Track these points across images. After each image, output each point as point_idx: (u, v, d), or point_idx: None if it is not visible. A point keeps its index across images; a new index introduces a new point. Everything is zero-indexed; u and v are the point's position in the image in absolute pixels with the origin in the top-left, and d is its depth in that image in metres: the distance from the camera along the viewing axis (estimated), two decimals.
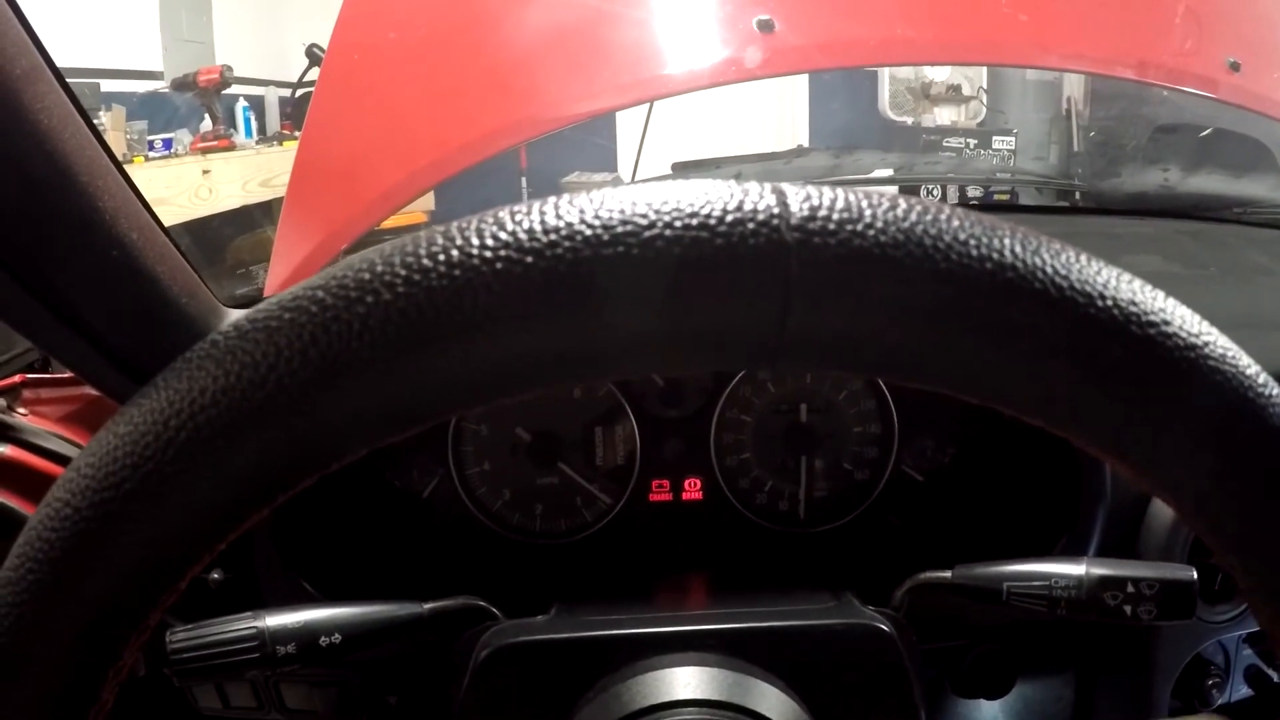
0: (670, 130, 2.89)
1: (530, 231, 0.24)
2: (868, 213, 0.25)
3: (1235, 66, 1.27)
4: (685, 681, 0.51)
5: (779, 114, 4.96)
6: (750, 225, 0.24)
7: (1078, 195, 1.28)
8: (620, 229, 0.24)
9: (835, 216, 0.25)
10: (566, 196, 0.25)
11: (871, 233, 0.25)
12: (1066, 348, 0.26)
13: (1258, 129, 1.52)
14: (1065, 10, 1.24)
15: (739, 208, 0.25)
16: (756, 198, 0.25)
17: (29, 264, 0.59)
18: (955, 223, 0.25)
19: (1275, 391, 0.28)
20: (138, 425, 0.27)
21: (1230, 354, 0.28)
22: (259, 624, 0.56)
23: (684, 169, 1.10)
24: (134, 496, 0.27)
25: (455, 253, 0.24)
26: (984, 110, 4.42)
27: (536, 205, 0.25)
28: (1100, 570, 0.56)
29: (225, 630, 0.54)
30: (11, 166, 0.56)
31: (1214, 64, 1.28)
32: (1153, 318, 0.27)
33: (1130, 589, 0.55)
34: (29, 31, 0.57)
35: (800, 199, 0.25)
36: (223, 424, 0.26)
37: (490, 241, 0.24)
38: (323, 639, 0.56)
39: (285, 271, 1.04)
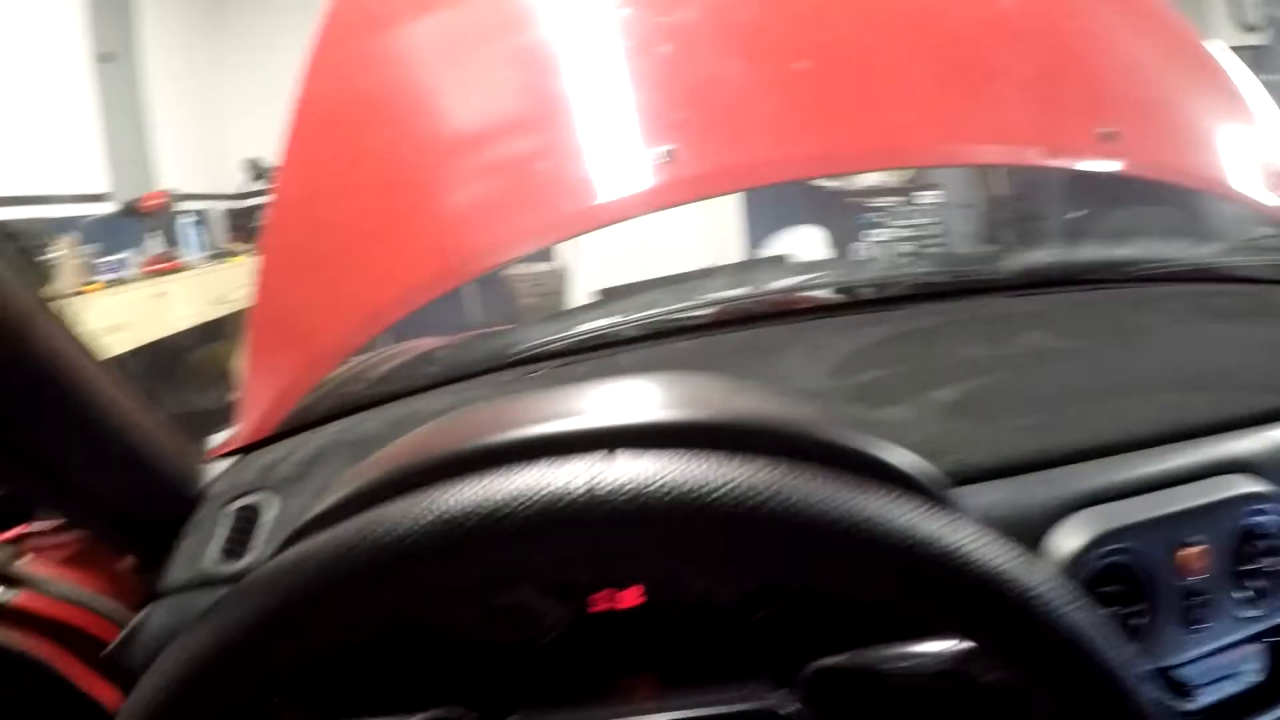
0: None
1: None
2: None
3: (1110, 136, 1.37)
4: None
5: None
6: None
7: (958, 276, 1.38)
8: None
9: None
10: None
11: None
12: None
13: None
14: (943, 109, 1.35)
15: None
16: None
17: (20, 445, 0.68)
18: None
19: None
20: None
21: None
22: None
23: (612, 294, 1.20)
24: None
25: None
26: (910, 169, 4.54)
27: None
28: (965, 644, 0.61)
29: None
30: (22, 387, 0.65)
31: (1087, 135, 1.38)
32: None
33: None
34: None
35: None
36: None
37: None
38: None
39: (251, 424, 1.12)
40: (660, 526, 0.37)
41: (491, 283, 3.18)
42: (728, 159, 1.22)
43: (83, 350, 0.74)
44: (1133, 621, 0.76)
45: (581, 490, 0.37)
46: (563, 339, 1.17)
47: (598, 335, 1.17)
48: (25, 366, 0.68)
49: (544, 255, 4.12)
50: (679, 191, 1.16)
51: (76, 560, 0.84)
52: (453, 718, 0.68)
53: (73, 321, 0.74)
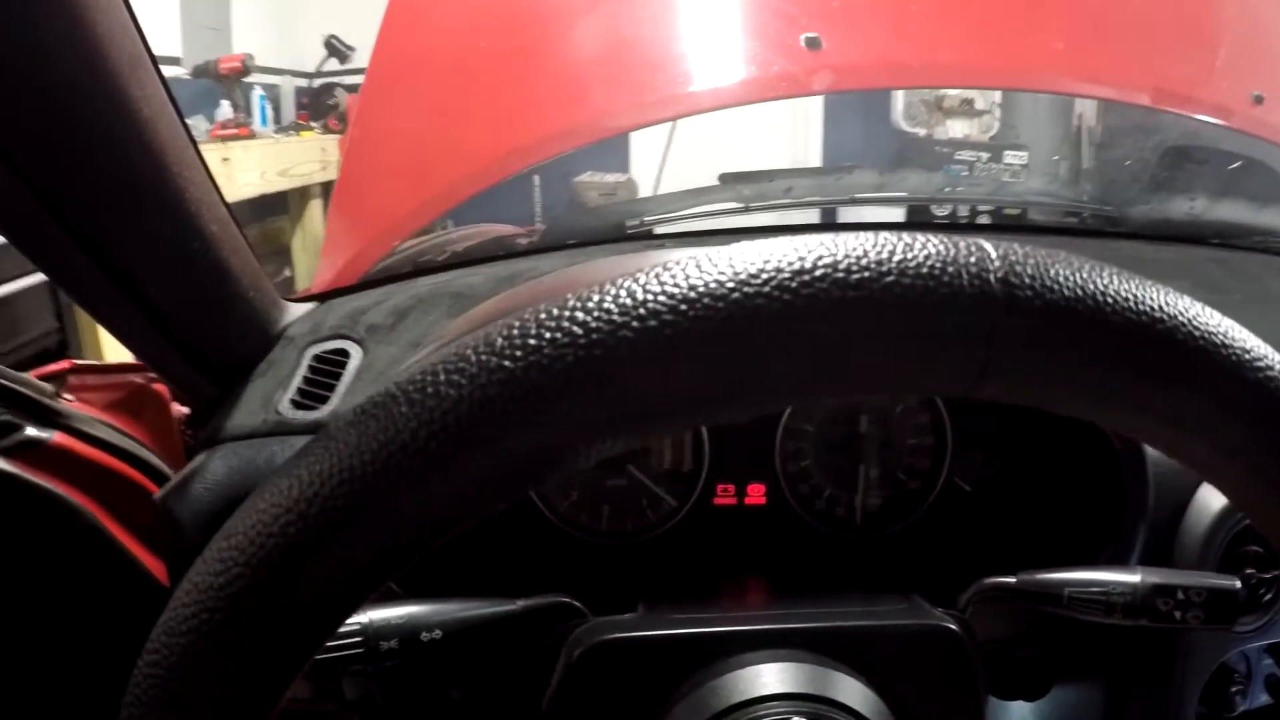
0: (681, 132, 2.90)
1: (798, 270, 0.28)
2: (1055, 271, 0.29)
3: (1259, 99, 1.30)
4: (774, 677, 0.54)
5: (792, 118, 4.97)
6: (965, 277, 0.28)
7: (1088, 216, 1.31)
8: (859, 274, 0.28)
9: (1030, 274, 0.29)
10: (816, 241, 0.29)
11: (1063, 289, 0.29)
12: (1197, 383, 0.31)
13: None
14: (1101, 39, 1.27)
15: (954, 259, 0.28)
16: (967, 252, 0.28)
17: (114, 249, 0.61)
18: (1117, 281, 0.29)
19: None
20: (297, 487, 0.29)
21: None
22: (363, 619, 0.57)
23: (733, 179, 1.13)
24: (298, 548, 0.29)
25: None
26: (997, 124, 4.44)
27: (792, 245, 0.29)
28: (1153, 579, 0.60)
29: None
30: (111, 151, 0.58)
31: (1238, 96, 1.31)
32: (1252, 352, 0.32)
33: (1180, 596, 0.59)
34: (133, 19, 0.59)
35: (1001, 256, 0.29)
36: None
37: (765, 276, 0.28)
38: (424, 634, 0.57)
39: (333, 269, 1.07)
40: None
41: (560, 188, 3.10)
42: (874, 56, 1.14)
43: (188, 149, 0.67)
44: (1263, 592, 0.72)
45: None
46: (683, 216, 1.09)
47: (720, 218, 1.10)
48: (131, 159, 0.61)
49: (618, 165, 4.04)
50: (820, 80, 1.08)
51: (120, 405, 0.80)
52: (556, 606, 0.62)
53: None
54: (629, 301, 0.28)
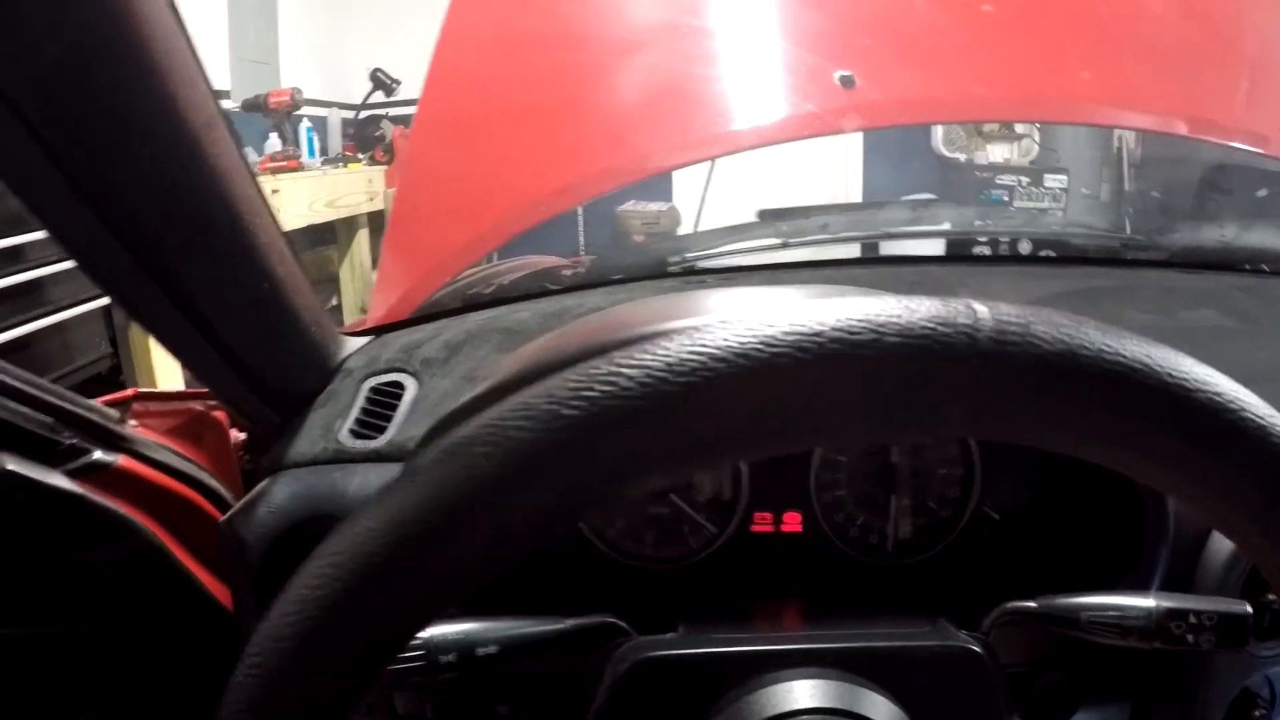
0: (721, 164, 2.92)
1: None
2: (1037, 328, 0.32)
3: None
4: (806, 692, 0.57)
5: (832, 144, 4.99)
6: (952, 333, 0.32)
7: (1125, 246, 1.33)
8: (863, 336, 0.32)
9: (1015, 331, 0.32)
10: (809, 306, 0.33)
11: (1043, 344, 0.32)
12: (1174, 423, 0.34)
13: None
14: (1132, 68, 1.29)
15: (942, 319, 0.32)
16: (956, 313, 0.32)
17: (194, 292, 0.66)
18: (1096, 334, 0.33)
19: None
20: (385, 519, 0.34)
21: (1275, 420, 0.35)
22: (424, 635, 0.60)
23: (771, 216, 1.17)
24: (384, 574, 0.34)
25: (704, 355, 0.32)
26: (1036, 148, 4.43)
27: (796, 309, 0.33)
28: (1167, 603, 0.62)
29: None
30: (193, 204, 0.63)
31: (1270, 123, 1.32)
32: (1231, 403, 0.34)
33: (1192, 620, 0.61)
34: (207, 83, 0.64)
35: (988, 313, 0.33)
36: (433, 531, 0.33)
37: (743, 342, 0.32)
38: (480, 650, 0.61)
39: (386, 304, 1.11)
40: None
41: (603, 218, 3.13)
42: (907, 92, 1.17)
43: (257, 198, 0.72)
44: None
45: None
46: (723, 253, 1.13)
47: (760, 254, 1.13)
48: (210, 210, 0.66)
49: (660, 193, 4.07)
50: (854, 118, 1.11)
51: (182, 431, 0.83)
52: (603, 626, 0.65)
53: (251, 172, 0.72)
54: (670, 360, 0.32)
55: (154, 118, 0.57)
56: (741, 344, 0.32)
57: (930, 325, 0.32)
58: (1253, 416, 0.34)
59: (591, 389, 0.32)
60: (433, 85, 1.23)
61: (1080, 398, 0.33)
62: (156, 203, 0.61)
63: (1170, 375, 0.33)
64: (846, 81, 1.11)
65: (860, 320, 0.32)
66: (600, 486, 0.33)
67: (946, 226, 1.29)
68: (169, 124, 0.58)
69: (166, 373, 3.18)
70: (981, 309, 0.32)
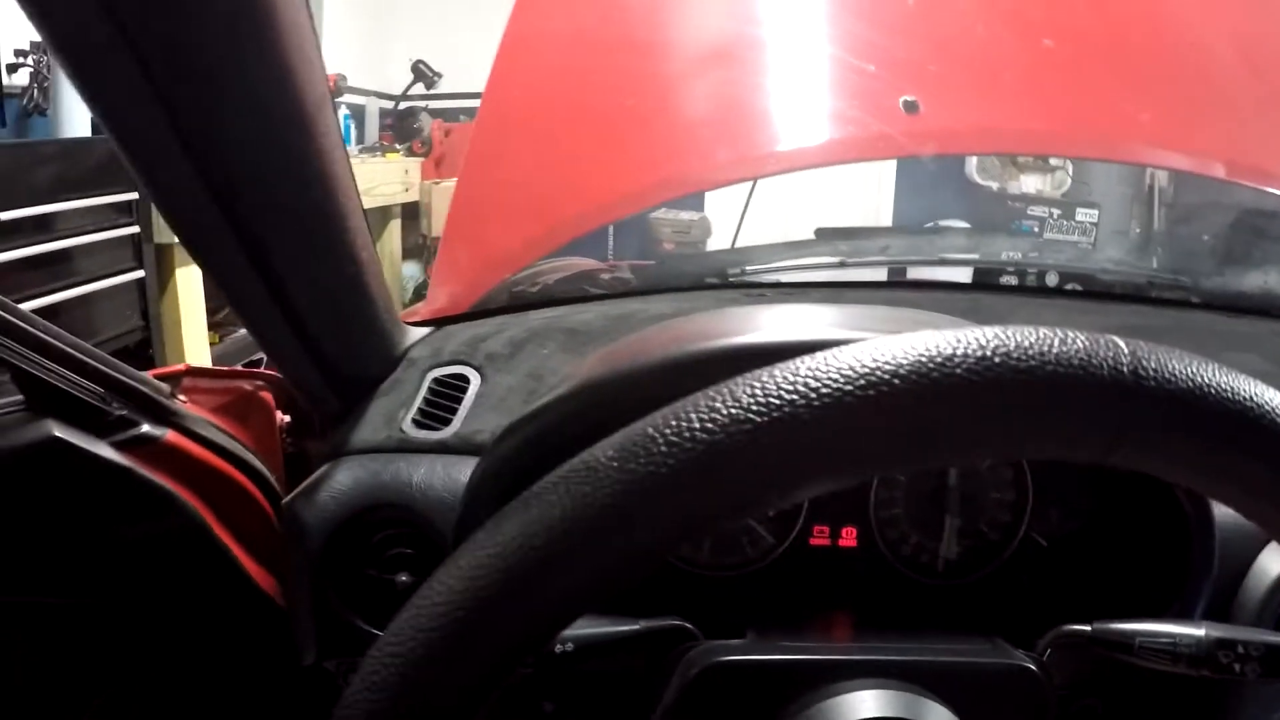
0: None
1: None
2: (1172, 365, 0.35)
3: None
4: (873, 702, 0.58)
5: (866, 168, 5.00)
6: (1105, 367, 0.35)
7: (1163, 285, 1.35)
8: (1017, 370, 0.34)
9: (1154, 368, 0.35)
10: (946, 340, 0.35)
11: (1178, 380, 0.35)
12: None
13: None
14: (1186, 110, 1.30)
15: (1095, 353, 0.35)
16: (1103, 348, 0.35)
17: (279, 268, 0.67)
18: (1220, 375, 0.36)
19: None
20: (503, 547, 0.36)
21: None
22: None
23: (829, 235, 1.19)
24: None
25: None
26: (1069, 181, 4.43)
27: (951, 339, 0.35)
28: (1216, 633, 0.63)
29: None
30: (295, 183, 0.64)
31: None
32: None
33: (1240, 650, 0.62)
34: (322, 64, 0.66)
35: (1131, 352, 0.35)
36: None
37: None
38: (558, 647, 0.63)
39: (446, 296, 1.12)
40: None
41: (634, 223, 3.15)
42: (969, 121, 1.19)
43: (351, 185, 0.73)
44: None
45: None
46: (783, 269, 1.15)
47: (818, 270, 1.15)
48: (315, 190, 0.67)
49: (692, 203, 4.09)
50: (916, 143, 1.13)
51: (229, 409, 0.84)
52: (673, 629, 0.67)
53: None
54: (855, 370, 0.34)
55: (273, 88, 0.59)
56: (923, 361, 0.34)
57: (1083, 356, 0.34)
58: None
59: (776, 396, 0.34)
60: (497, 79, 1.24)
61: (1206, 437, 0.35)
62: (262, 175, 0.62)
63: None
64: (910, 106, 1.12)
65: (1024, 348, 0.34)
66: (778, 491, 0.35)
67: (1009, 255, 1.30)
68: (286, 99, 0.60)
69: (196, 349, 3.20)
70: (1124, 344, 0.35)
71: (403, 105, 5.39)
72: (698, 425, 0.34)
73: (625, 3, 1.28)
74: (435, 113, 5.28)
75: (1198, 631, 0.63)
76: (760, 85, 1.16)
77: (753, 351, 0.56)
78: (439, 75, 5.23)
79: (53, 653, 0.82)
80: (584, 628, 0.64)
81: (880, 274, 1.25)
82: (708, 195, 4.32)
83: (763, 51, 1.19)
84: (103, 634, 0.83)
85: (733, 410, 0.34)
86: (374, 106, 5.54)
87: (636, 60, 1.23)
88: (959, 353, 0.34)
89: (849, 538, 0.81)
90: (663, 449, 0.34)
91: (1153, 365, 0.34)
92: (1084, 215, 4.26)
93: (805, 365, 0.34)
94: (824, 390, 0.34)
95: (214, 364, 0.85)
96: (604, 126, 1.15)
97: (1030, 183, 4.49)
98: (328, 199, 0.68)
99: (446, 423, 0.83)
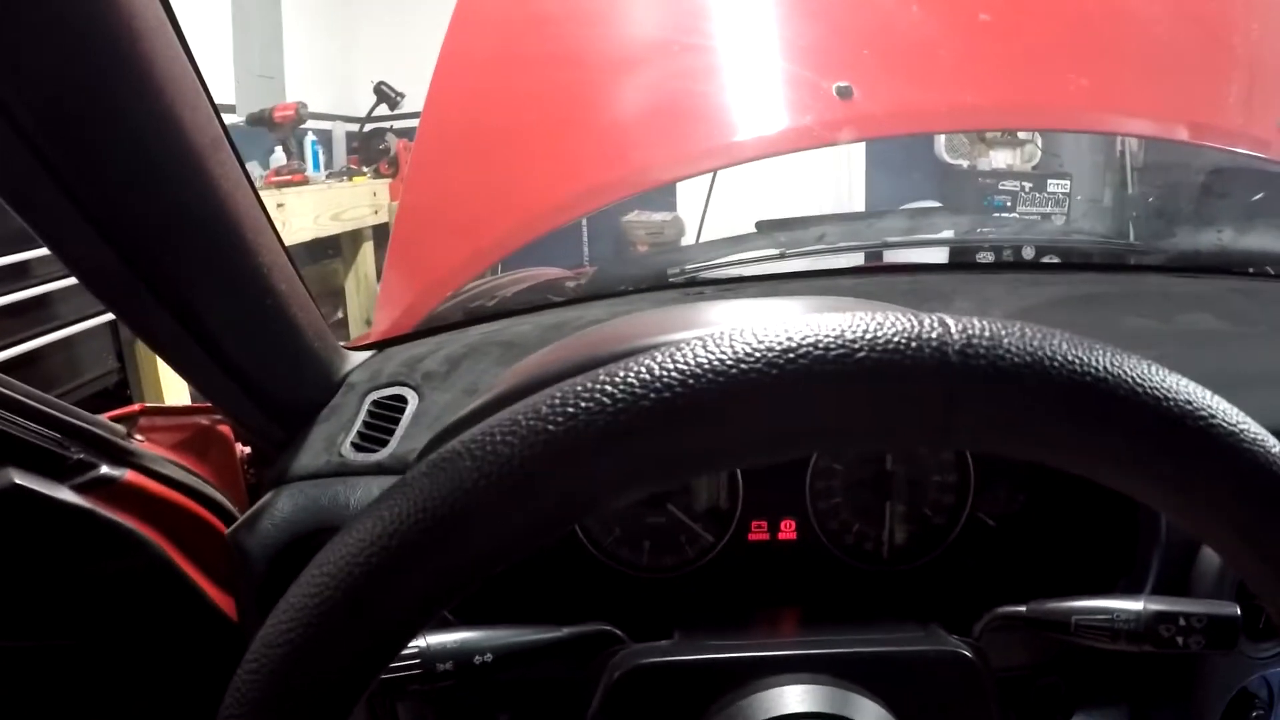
0: (723, 174, 2.93)
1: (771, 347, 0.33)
2: (1007, 341, 0.33)
3: None
4: (797, 698, 0.57)
5: (835, 152, 5.00)
6: (927, 349, 0.33)
7: (1128, 251, 1.33)
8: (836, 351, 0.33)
9: (985, 343, 0.33)
10: (775, 327, 0.34)
11: (1011, 356, 0.33)
12: (1146, 433, 0.34)
13: None
14: (1127, 75, 1.30)
15: (916, 335, 0.33)
16: (929, 327, 0.33)
17: (199, 312, 0.67)
18: (1064, 346, 0.33)
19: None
20: (379, 527, 0.35)
21: (1245, 428, 0.35)
22: (420, 642, 0.62)
23: (769, 227, 1.18)
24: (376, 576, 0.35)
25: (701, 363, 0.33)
26: (1039, 154, 4.43)
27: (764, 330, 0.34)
28: (1156, 606, 0.62)
29: None
30: (197, 225, 0.64)
31: (1266, 125, 1.33)
32: (1200, 411, 0.35)
33: (1181, 622, 0.62)
34: (214, 106, 0.65)
35: (959, 329, 0.33)
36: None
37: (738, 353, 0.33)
38: (476, 658, 0.62)
39: (389, 319, 1.12)
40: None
41: (607, 227, 3.16)
42: (904, 102, 1.18)
43: (260, 216, 0.73)
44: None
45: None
46: (722, 264, 1.14)
47: (759, 264, 1.14)
48: (214, 231, 0.66)
49: (664, 203, 4.09)
50: (851, 129, 1.12)
51: (188, 445, 0.84)
52: (598, 633, 0.66)
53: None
54: (647, 377, 0.33)
55: (157, 140, 0.58)
56: (713, 361, 0.33)
57: (901, 341, 0.33)
58: (1223, 424, 0.35)
59: (573, 405, 0.33)
60: (434, 102, 1.24)
61: (1051, 410, 0.33)
62: (161, 223, 0.62)
63: (1139, 385, 0.34)
64: (844, 92, 1.11)
65: (833, 337, 0.33)
66: (582, 500, 0.34)
67: (947, 234, 1.29)
68: (173, 146, 0.59)
69: (174, 387, 3.20)
70: (953, 323, 0.33)
71: (368, 127, 5.37)
72: (499, 439, 0.34)
73: (554, 16, 1.27)
74: (400, 132, 5.27)
75: (1135, 606, 0.62)
76: (689, 86, 1.15)
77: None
78: (402, 95, 5.21)
79: (28, 696, 0.81)
80: (505, 637, 0.64)
81: (831, 262, 1.24)
82: (680, 195, 4.34)
83: (690, 54, 1.18)
84: (76, 674, 0.82)
85: (532, 423, 0.34)
86: (340, 131, 5.52)
87: (570, 70, 1.22)
88: (761, 347, 0.33)
89: (788, 530, 0.80)
90: (466, 463, 0.34)
91: (983, 342, 0.33)
92: (1055, 187, 4.26)
93: (604, 375, 0.34)
94: (619, 397, 0.33)
95: (193, 400, 0.85)
96: (534, 140, 1.14)
97: (1000, 158, 4.48)
98: (231, 237, 0.68)
99: (385, 444, 0.82)
